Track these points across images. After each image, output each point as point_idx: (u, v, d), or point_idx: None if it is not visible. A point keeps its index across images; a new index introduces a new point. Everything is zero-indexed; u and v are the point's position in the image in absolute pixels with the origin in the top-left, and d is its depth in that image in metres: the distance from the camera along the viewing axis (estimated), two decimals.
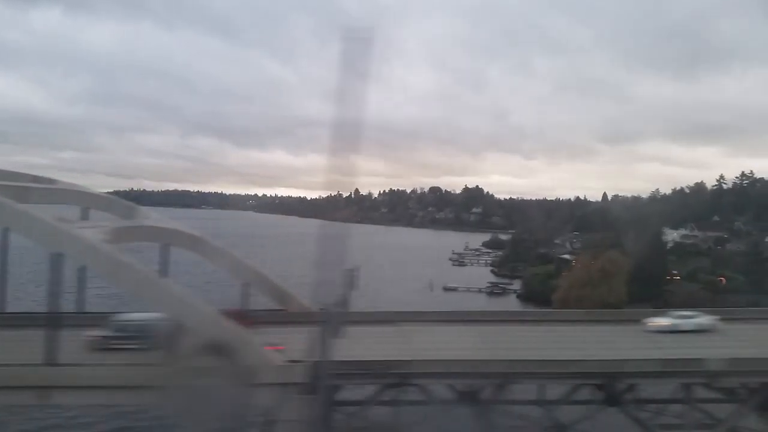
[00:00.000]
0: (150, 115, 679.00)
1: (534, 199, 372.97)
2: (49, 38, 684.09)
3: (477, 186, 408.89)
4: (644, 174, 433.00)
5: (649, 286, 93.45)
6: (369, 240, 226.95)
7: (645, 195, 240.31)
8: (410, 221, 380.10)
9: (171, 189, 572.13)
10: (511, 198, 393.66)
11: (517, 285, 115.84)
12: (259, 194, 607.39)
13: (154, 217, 36.52)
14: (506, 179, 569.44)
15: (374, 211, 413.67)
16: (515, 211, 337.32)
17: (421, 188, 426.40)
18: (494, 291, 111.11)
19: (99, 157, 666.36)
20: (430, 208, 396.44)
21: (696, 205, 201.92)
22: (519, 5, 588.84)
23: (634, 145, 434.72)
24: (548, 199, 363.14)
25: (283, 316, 32.22)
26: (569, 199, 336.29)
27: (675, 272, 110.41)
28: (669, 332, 30.51)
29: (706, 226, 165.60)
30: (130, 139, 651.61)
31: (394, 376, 24.69)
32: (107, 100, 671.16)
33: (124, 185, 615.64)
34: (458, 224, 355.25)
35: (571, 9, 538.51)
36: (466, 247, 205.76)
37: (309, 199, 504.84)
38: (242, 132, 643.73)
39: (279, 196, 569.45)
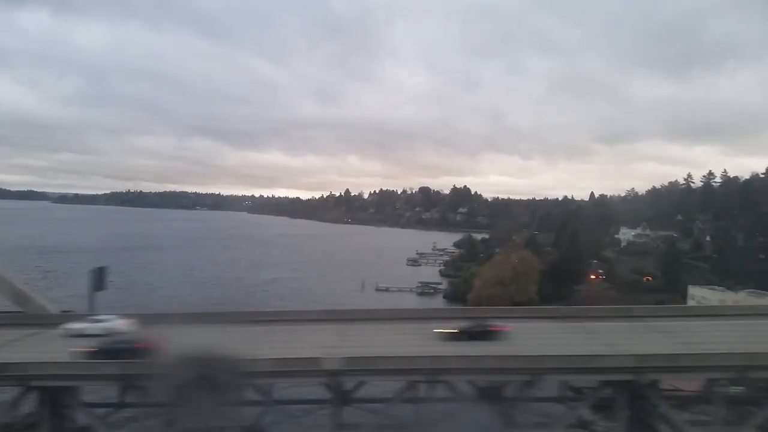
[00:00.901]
0: (144, 117, 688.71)
1: (524, 198, 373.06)
2: (38, 40, 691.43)
3: (465, 186, 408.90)
4: (642, 173, 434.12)
5: (561, 285, 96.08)
6: (340, 241, 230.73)
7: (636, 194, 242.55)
8: (397, 221, 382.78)
9: (169, 190, 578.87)
10: (497, 198, 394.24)
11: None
12: (256, 195, 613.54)
13: None
14: (505, 179, 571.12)
15: (363, 212, 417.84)
16: (500, 210, 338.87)
17: (411, 189, 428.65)
18: (425, 291, 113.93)
19: (97, 159, 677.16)
20: (417, 209, 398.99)
21: (664, 204, 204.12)
22: (509, 5, 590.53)
23: (631, 144, 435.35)
24: (537, 199, 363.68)
25: (17, 318, 32.81)
26: (557, 198, 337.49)
27: (601, 272, 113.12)
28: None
29: (667, 226, 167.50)
30: (127, 141, 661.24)
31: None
32: (100, 102, 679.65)
33: (123, 187, 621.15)
34: (444, 224, 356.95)
35: (562, 9, 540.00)
36: (434, 247, 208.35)
37: (302, 199, 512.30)
38: (238, 133, 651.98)
39: (274, 196, 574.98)
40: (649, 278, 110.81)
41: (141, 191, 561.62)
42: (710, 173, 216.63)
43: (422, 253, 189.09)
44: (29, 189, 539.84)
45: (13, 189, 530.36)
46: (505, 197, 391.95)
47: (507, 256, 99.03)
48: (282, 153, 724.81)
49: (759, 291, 78.16)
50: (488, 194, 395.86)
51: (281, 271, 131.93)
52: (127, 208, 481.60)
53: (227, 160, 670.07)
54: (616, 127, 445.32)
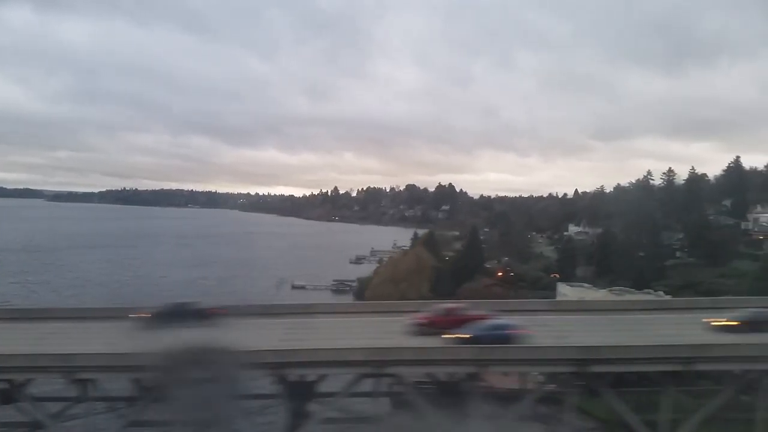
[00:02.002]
0: (138, 114, 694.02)
1: (523, 196, 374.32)
2: (26, 36, 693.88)
3: (450, 184, 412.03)
4: (640, 170, 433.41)
5: (455, 282, 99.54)
6: (308, 239, 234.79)
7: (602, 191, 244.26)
8: (379, 219, 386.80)
9: (166, 188, 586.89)
10: (482, 195, 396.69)
11: None
12: (252, 193, 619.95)
13: None
14: (503, 177, 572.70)
15: (348, 209, 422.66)
16: (481, 209, 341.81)
17: (398, 187, 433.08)
18: (339, 288, 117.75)
19: (94, 156, 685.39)
20: (401, 206, 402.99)
21: (623, 202, 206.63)
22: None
23: (628, 141, 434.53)
24: (534, 196, 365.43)
25: None
26: (541, 195, 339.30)
27: (509, 269, 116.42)
28: None
29: (609, 224, 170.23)
30: (122, 138, 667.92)
31: None
32: (93, 99, 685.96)
33: (122, 185, 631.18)
34: (426, 222, 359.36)
35: (551, 3, 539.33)
36: (394, 244, 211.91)
37: (294, 197, 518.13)
38: (233, 131, 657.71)
39: (270, 194, 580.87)
40: (556, 275, 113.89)
41: (137, 189, 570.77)
42: (670, 170, 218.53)
43: (376, 251, 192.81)
44: (26, 187, 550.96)
45: (10, 187, 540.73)
46: (503, 195, 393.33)
47: (404, 254, 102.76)
48: (279, 150, 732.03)
49: (626, 289, 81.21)
50: (488, 192, 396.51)
51: (214, 269, 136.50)
52: (121, 206, 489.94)
53: (224, 158, 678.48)
54: (611, 123, 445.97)
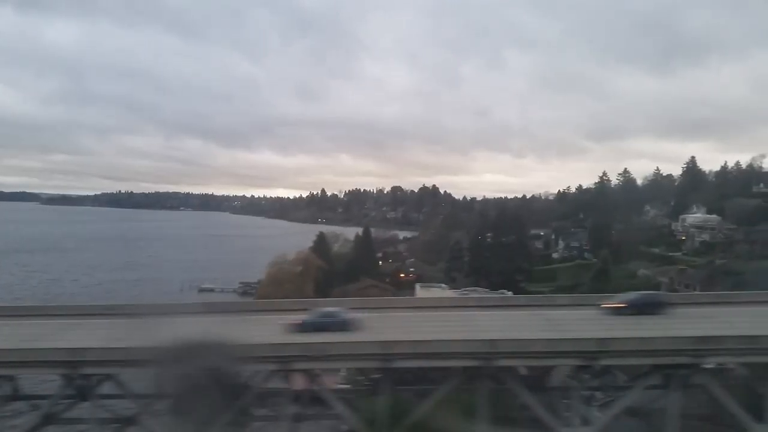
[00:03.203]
0: (131, 116, 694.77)
1: (497, 197, 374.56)
2: (9, 37, 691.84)
3: (434, 185, 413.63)
4: (635, 171, 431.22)
5: (341, 284, 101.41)
6: (270, 241, 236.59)
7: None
8: (361, 221, 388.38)
9: (162, 191, 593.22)
10: (464, 197, 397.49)
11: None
12: (248, 195, 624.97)
13: None
14: (499, 178, 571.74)
15: (332, 212, 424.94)
16: (460, 210, 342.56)
17: (383, 188, 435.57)
18: (246, 290, 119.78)
19: (90, 160, 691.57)
20: (384, 208, 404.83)
21: (567, 204, 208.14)
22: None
23: (622, 141, 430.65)
24: (508, 197, 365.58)
25: None
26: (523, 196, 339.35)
27: (412, 270, 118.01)
28: None
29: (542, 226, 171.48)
30: (117, 141, 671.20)
31: None
32: (84, 101, 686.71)
33: (120, 188, 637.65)
34: (406, 224, 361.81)
35: (537, 2, 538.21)
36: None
37: (283, 199, 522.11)
38: (227, 133, 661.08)
39: (262, 197, 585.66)
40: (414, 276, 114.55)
41: (132, 192, 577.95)
42: (625, 170, 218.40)
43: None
44: (22, 190, 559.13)
45: (7, 190, 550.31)
46: (492, 197, 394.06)
47: (294, 256, 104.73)
48: (274, 153, 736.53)
49: (481, 289, 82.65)
50: (487, 193, 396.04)
51: (140, 272, 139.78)
52: (114, 209, 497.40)
53: (219, 160, 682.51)
54: (604, 123, 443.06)
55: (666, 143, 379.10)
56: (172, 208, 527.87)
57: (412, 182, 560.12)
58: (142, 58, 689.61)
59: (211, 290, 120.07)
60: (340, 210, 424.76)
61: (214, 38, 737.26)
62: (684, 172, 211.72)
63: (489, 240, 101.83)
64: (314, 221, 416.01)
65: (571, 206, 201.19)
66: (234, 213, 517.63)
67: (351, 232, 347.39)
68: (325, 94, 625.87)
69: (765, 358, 28.42)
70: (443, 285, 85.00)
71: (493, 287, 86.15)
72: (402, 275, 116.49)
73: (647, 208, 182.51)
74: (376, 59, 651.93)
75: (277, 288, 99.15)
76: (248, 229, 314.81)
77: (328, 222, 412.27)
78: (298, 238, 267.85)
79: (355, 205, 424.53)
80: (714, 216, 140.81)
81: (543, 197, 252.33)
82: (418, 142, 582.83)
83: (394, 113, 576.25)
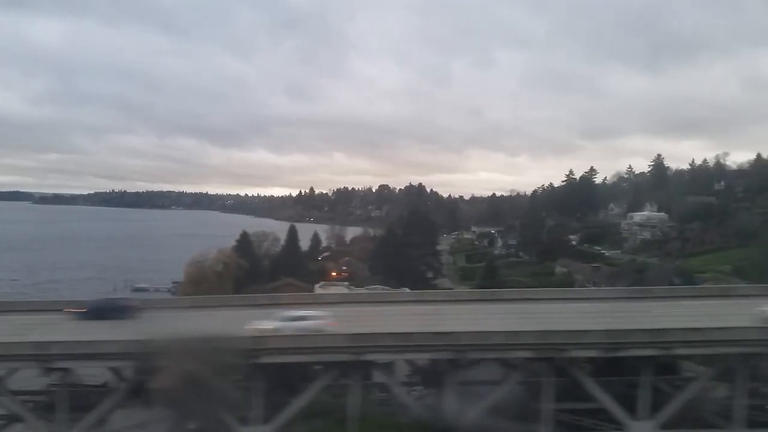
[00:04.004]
0: (122, 115, 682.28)
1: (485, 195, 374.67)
2: None
3: (420, 184, 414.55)
4: (627, 169, 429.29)
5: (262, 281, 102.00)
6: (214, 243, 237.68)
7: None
8: (345, 220, 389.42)
9: (156, 190, 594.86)
10: (450, 196, 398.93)
11: None
12: (242, 194, 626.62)
13: None
14: (494, 177, 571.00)
15: (319, 210, 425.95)
16: (443, 208, 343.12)
17: (367, 187, 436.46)
18: (178, 290, 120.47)
19: (84, 159, 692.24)
20: (369, 207, 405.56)
21: (534, 203, 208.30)
22: None
23: (616, 140, 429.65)
24: (495, 195, 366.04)
25: None
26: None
27: (345, 269, 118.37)
28: None
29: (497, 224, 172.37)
30: (111, 141, 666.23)
31: None
32: (74, 100, 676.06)
33: (116, 187, 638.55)
34: (390, 222, 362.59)
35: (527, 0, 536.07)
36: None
37: (273, 198, 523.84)
38: (220, 132, 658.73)
39: (255, 195, 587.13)
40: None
41: (125, 191, 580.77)
42: (592, 170, 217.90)
43: None
44: (15, 189, 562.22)
45: (1, 189, 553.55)
46: (450, 195, 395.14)
47: (214, 255, 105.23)
48: (268, 151, 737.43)
49: (384, 287, 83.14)
50: (481, 192, 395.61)
51: (86, 271, 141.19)
52: (106, 208, 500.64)
53: (213, 159, 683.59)
54: (597, 122, 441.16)
55: (660, 141, 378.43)
56: (163, 207, 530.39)
57: (407, 181, 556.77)
58: (133, 57, 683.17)
59: (145, 290, 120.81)
60: (325, 209, 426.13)
61: (203, 37, 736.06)
62: (650, 169, 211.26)
63: (401, 239, 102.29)
64: (302, 220, 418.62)
65: (538, 204, 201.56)
66: (225, 212, 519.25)
67: (322, 229, 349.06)
68: (318, 93, 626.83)
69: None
70: (346, 283, 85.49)
71: (404, 285, 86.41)
72: (334, 274, 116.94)
73: (611, 206, 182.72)
74: (367, 58, 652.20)
75: (195, 287, 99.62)
76: (228, 228, 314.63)
77: (316, 220, 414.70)
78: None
79: (342, 203, 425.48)
80: (659, 214, 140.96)
81: (512, 195, 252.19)
82: (412, 140, 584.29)
83: (387, 112, 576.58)
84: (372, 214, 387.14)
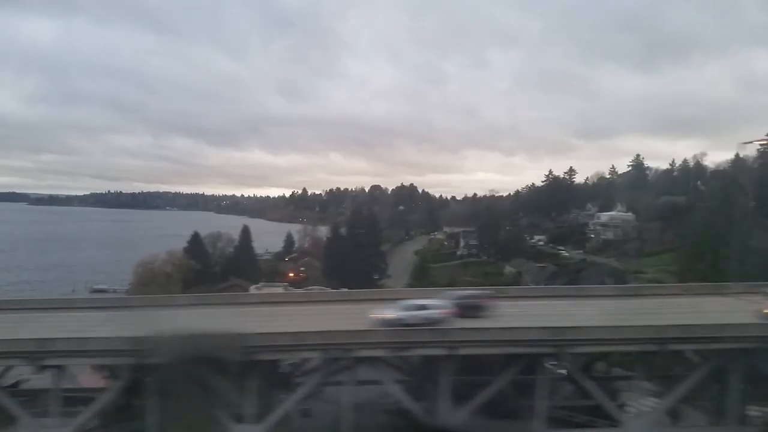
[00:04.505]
0: (117, 115, 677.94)
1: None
2: None
3: (411, 184, 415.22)
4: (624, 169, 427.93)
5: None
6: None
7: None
8: (335, 220, 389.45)
9: (153, 191, 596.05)
10: (441, 196, 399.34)
11: None
12: (238, 195, 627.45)
13: None
14: (491, 177, 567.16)
15: (310, 211, 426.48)
16: (434, 210, 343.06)
17: (359, 187, 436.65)
18: None
19: (82, 160, 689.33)
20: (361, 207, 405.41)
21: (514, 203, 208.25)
22: None
23: (611, 140, 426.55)
24: (486, 195, 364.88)
25: None
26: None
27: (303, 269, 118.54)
28: None
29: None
30: (106, 141, 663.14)
31: None
32: (68, 100, 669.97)
33: (112, 188, 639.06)
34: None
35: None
36: None
37: (268, 198, 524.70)
38: (216, 132, 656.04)
39: (252, 196, 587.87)
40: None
41: (121, 192, 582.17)
42: (571, 170, 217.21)
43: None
44: (12, 190, 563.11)
45: None
46: (441, 195, 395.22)
47: (166, 256, 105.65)
48: (265, 152, 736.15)
49: (317, 287, 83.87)
50: (480, 192, 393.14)
51: (47, 274, 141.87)
52: (100, 209, 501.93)
53: (210, 160, 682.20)
54: (592, 121, 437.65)
55: (654, 141, 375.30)
56: (158, 207, 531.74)
57: (404, 181, 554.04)
58: (126, 57, 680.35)
59: (104, 290, 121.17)
60: (317, 209, 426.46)
61: (197, 37, 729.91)
62: (630, 170, 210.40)
63: (346, 240, 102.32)
64: (294, 220, 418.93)
65: (517, 204, 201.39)
66: (218, 213, 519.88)
67: (308, 230, 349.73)
68: (312, 93, 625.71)
69: None
70: (285, 284, 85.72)
71: (349, 285, 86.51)
72: (291, 274, 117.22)
73: (589, 206, 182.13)
74: (361, 58, 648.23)
75: (144, 288, 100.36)
76: (214, 229, 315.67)
77: (308, 221, 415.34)
78: (264, 238, 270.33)
79: (333, 204, 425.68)
80: (625, 214, 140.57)
81: (492, 196, 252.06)
82: (408, 140, 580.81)
83: (383, 112, 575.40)
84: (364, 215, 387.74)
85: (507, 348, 31.30)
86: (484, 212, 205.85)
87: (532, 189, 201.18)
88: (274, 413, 30.40)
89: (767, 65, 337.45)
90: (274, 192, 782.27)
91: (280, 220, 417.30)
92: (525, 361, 31.79)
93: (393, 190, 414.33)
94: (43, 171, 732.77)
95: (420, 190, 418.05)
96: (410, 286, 75.85)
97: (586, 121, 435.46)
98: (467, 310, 33.95)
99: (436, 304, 33.35)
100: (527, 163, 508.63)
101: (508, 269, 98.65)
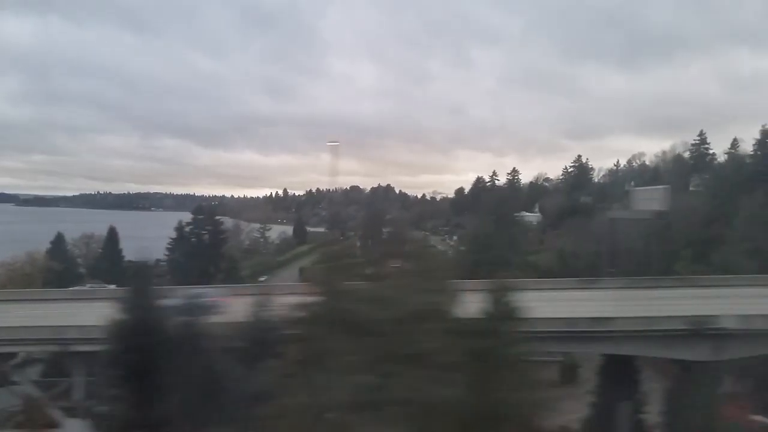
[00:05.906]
0: (104, 115, 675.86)
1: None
2: None
3: (388, 185, 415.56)
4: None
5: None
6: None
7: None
8: (308, 221, 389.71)
9: (143, 192, 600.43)
10: (423, 196, 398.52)
11: None
12: (227, 195, 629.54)
13: None
14: (483, 177, 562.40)
15: (287, 211, 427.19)
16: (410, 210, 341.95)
17: (341, 188, 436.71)
18: None
19: (71, 160, 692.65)
20: (336, 208, 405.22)
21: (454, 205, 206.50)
22: None
23: (600, 140, 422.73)
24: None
25: None
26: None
27: None
28: None
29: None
30: (94, 141, 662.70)
31: None
32: (53, 100, 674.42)
33: (104, 189, 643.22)
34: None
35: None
36: None
37: (246, 198, 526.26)
38: (205, 132, 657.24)
39: (245, 197, 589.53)
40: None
41: (109, 192, 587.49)
42: (514, 170, 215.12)
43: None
44: (1, 192, 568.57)
45: None
46: (424, 196, 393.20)
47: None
48: (253, 152, 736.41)
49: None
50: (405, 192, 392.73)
51: None
52: (88, 210, 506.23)
53: (199, 160, 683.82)
54: (579, 121, 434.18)
55: (643, 141, 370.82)
56: (143, 208, 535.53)
57: (395, 181, 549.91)
58: (108, 56, 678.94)
59: None
60: (293, 210, 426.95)
61: (178, 37, 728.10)
62: (571, 171, 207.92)
63: (192, 240, 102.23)
64: (271, 221, 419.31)
65: (455, 205, 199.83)
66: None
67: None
68: (300, 92, 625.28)
69: None
70: (102, 282, 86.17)
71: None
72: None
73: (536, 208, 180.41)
74: (345, 57, 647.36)
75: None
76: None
77: (288, 222, 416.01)
78: None
79: (310, 204, 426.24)
80: (534, 215, 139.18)
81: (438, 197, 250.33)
82: (398, 141, 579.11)
83: (370, 112, 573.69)
84: (342, 215, 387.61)
85: None
86: (429, 213, 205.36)
87: (459, 192, 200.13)
88: None
89: (750, 64, 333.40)
90: (264, 192, 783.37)
91: (258, 221, 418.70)
92: None
93: (369, 190, 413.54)
94: (34, 172, 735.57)
95: (397, 191, 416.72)
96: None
97: (574, 120, 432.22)
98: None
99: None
100: (518, 164, 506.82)
101: None
